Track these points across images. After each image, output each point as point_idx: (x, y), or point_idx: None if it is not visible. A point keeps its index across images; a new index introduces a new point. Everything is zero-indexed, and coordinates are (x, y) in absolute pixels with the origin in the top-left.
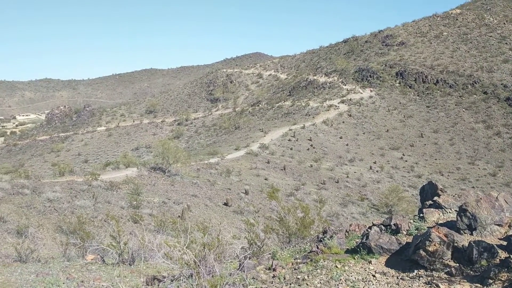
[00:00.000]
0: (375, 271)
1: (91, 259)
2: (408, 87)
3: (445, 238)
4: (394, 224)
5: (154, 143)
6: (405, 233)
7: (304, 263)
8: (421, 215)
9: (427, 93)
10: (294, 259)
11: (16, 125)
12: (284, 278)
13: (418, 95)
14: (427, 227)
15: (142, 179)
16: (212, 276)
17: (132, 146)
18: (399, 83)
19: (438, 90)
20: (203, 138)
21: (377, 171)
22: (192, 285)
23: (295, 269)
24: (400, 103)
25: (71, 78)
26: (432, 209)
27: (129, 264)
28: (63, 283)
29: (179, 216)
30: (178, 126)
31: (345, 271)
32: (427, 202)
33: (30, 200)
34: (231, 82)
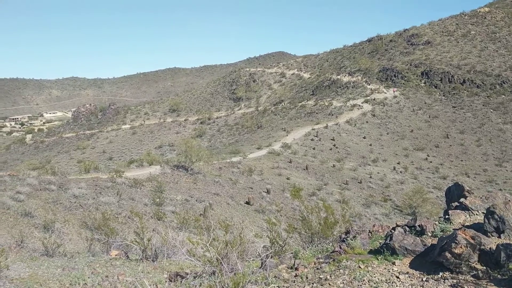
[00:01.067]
0: (399, 272)
1: (115, 255)
2: (433, 87)
3: (471, 241)
4: (418, 225)
5: (177, 142)
6: (430, 234)
7: (326, 263)
8: (447, 216)
9: (454, 93)
10: (317, 259)
11: (44, 123)
12: (307, 278)
13: (444, 95)
14: (453, 229)
15: (165, 177)
16: (235, 274)
17: (155, 144)
18: (425, 83)
19: (465, 90)
20: (225, 137)
21: (400, 171)
22: (214, 282)
23: (317, 268)
24: (425, 103)
25: (96, 77)
26: (458, 210)
27: (152, 260)
28: (88, 278)
29: (201, 214)
30: (201, 125)
31: (368, 271)
32: (453, 204)
33: (56, 196)
34: (254, 81)
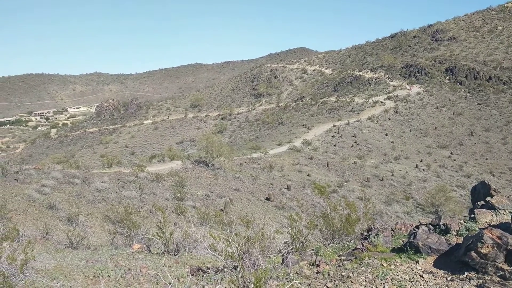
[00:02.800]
0: (422, 271)
1: (138, 248)
2: (458, 83)
3: (498, 240)
4: (443, 224)
5: (198, 137)
6: (455, 233)
7: (348, 260)
8: (472, 215)
9: (479, 90)
10: (338, 256)
11: (68, 117)
12: (328, 275)
13: (469, 92)
14: (479, 228)
15: (186, 172)
16: (257, 269)
17: (177, 139)
18: (449, 79)
19: (490, 87)
20: (246, 133)
21: (423, 169)
22: (236, 277)
23: (339, 266)
24: (449, 100)
25: (119, 72)
26: (484, 210)
27: (174, 254)
28: (112, 270)
29: (221, 210)
30: (222, 121)
31: (391, 270)
32: (478, 203)
33: (80, 189)
34: (275, 77)
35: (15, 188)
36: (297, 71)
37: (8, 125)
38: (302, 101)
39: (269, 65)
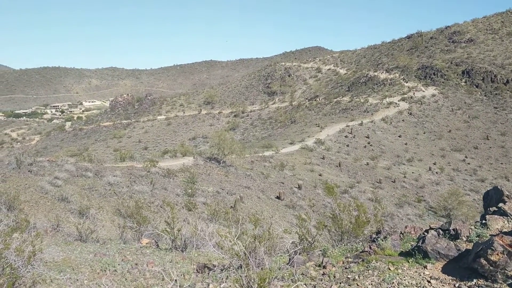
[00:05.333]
0: (430, 277)
1: (146, 243)
2: (474, 86)
3: (509, 248)
4: (453, 229)
5: (210, 134)
6: (464, 239)
7: (355, 262)
8: (484, 221)
9: (496, 93)
10: (345, 258)
11: (83, 111)
12: (334, 277)
13: (485, 95)
14: (490, 235)
15: (197, 168)
16: (262, 268)
17: (189, 135)
18: (465, 82)
19: (508, 90)
20: (258, 131)
21: (436, 172)
22: (240, 276)
23: (345, 268)
24: (465, 103)
25: (134, 67)
26: (496, 216)
27: (181, 250)
28: (118, 265)
29: (231, 207)
30: (235, 118)
31: (398, 274)
32: (490, 209)
33: (92, 182)
34: (289, 76)
35: (29, 179)
36: (311, 70)
37: (24, 117)
38: (315, 100)
39: (283, 63)
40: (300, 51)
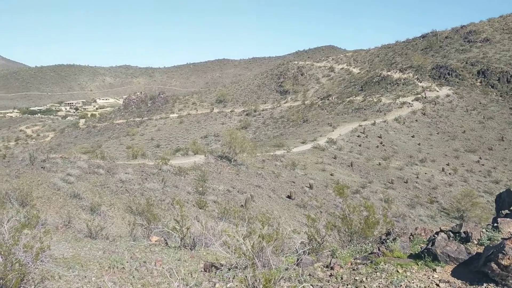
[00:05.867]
0: (439, 280)
1: (155, 241)
2: (490, 86)
3: None
4: (464, 232)
5: (222, 132)
6: (475, 242)
7: (363, 264)
8: (496, 224)
9: (511, 94)
10: (354, 259)
11: (96, 108)
12: (341, 278)
13: (501, 96)
14: (502, 238)
15: (209, 167)
16: (269, 269)
17: (201, 134)
18: (481, 82)
19: None
20: (270, 129)
21: (450, 173)
22: (246, 276)
23: (353, 269)
24: (480, 103)
25: (148, 65)
26: (508, 219)
27: (190, 249)
28: (127, 262)
29: (242, 206)
30: (246, 117)
31: (406, 276)
32: (503, 211)
33: (104, 179)
34: (301, 75)
35: (42, 176)
36: (324, 69)
37: (39, 114)
38: (328, 99)
39: (296, 62)
40: (313, 50)
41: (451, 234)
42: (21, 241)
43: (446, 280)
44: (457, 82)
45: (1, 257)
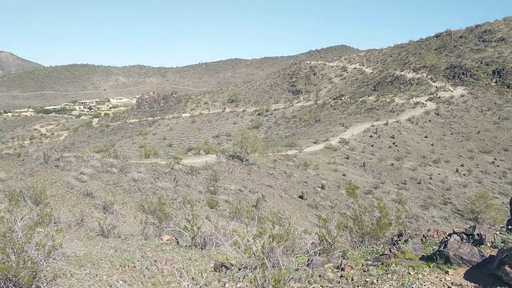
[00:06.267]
0: (451, 283)
1: (167, 240)
2: (505, 86)
3: None
4: (477, 234)
5: (234, 132)
6: (489, 245)
7: (374, 265)
8: (510, 227)
9: None
10: (365, 260)
11: (110, 108)
12: (352, 279)
13: None
14: None
15: (220, 166)
16: (280, 269)
17: (213, 133)
18: (496, 82)
19: None
20: (282, 129)
21: (464, 174)
22: (255, 277)
23: (364, 271)
24: (495, 103)
25: (161, 65)
26: None
27: (201, 248)
28: (138, 261)
29: (253, 205)
30: (258, 116)
31: (418, 279)
32: None
33: (117, 178)
34: (314, 74)
35: (55, 174)
36: (336, 68)
37: (53, 113)
38: (340, 99)
39: (308, 62)
40: (326, 50)
41: (464, 236)
42: (34, 239)
43: (459, 283)
44: (472, 82)
45: (14, 255)
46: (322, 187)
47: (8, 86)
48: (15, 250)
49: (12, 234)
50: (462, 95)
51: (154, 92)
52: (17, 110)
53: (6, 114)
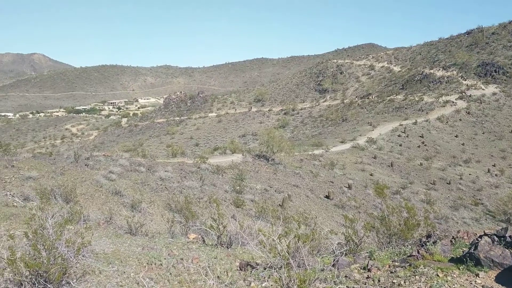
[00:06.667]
0: (482, 286)
1: (193, 238)
2: None
3: None
4: (509, 236)
5: (260, 131)
6: None
7: (402, 267)
8: None
9: None
10: (392, 262)
11: (138, 108)
12: (379, 281)
13: None
14: None
15: (246, 166)
16: (305, 269)
17: (239, 133)
18: None
19: None
20: (308, 129)
21: (496, 174)
22: (280, 276)
23: (391, 272)
24: None
25: (188, 65)
26: None
27: (227, 247)
28: (164, 259)
29: (279, 205)
30: (285, 116)
31: (447, 281)
32: None
33: (144, 177)
34: (341, 73)
35: (85, 173)
36: (364, 67)
37: (83, 113)
38: (368, 98)
39: (335, 60)
40: (353, 48)
41: (496, 238)
42: (64, 236)
43: (490, 286)
44: (505, 79)
45: (45, 251)
46: (349, 187)
47: (41, 87)
48: (46, 247)
49: (43, 231)
50: (494, 93)
51: (181, 92)
52: (49, 110)
53: (38, 114)
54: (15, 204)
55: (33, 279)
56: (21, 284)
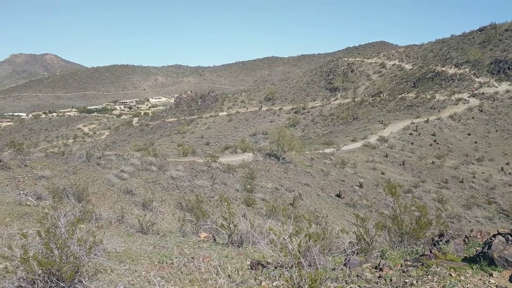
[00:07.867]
0: (496, 286)
1: (204, 237)
2: None
3: None
4: None
5: (270, 130)
6: None
7: (414, 266)
8: None
9: None
10: (404, 261)
11: (149, 107)
12: (391, 280)
13: None
14: None
15: (257, 164)
16: (317, 268)
17: (250, 131)
18: None
19: None
20: (319, 127)
21: (509, 173)
22: (291, 276)
23: (403, 271)
24: None
25: (198, 65)
26: None
27: (238, 246)
28: (175, 258)
29: (290, 204)
30: (295, 115)
31: (460, 281)
32: None
33: (156, 176)
34: (351, 72)
35: (97, 172)
36: (375, 65)
37: (95, 113)
38: (379, 96)
39: (346, 58)
40: (364, 46)
41: (510, 237)
42: (76, 235)
43: (504, 286)
44: None
45: (57, 250)
46: (360, 186)
47: (53, 87)
48: (58, 246)
49: (55, 230)
50: (508, 91)
51: (191, 91)
52: (61, 110)
53: (51, 114)
54: (28, 203)
55: (46, 278)
56: (34, 283)
